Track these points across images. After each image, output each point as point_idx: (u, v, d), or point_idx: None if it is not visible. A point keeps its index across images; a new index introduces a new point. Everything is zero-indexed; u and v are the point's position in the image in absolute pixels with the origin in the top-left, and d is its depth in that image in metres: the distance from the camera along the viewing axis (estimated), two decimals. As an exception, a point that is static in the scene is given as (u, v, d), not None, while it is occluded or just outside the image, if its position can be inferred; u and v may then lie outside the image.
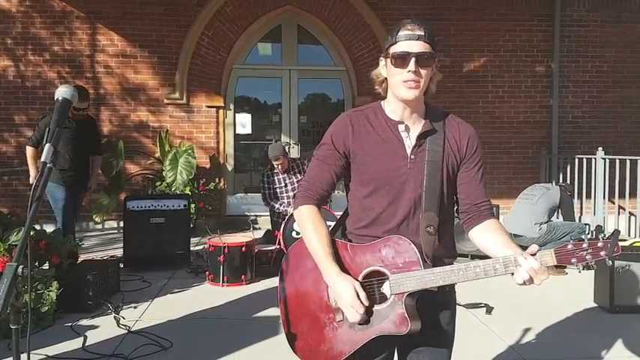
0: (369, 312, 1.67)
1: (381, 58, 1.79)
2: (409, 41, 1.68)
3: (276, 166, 6.17)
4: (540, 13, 8.34)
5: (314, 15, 8.20)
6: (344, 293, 1.66)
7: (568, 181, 7.32)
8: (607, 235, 6.95)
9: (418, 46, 1.68)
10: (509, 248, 1.68)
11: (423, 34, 1.69)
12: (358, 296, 1.65)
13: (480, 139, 1.87)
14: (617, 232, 1.65)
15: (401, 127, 1.78)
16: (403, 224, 1.77)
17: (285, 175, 6.23)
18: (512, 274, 1.58)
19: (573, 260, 1.53)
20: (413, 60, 1.67)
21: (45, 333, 3.81)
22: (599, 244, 1.53)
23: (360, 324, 1.68)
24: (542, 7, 8.33)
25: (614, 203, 7.05)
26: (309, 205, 1.81)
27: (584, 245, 1.53)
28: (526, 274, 1.53)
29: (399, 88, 1.72)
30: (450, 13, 8.11)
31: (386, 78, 1.79)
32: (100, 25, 7.86)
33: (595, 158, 7.05)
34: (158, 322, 4.09)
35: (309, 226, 1.77)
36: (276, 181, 6.25)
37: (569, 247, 1.54)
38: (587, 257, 1.53)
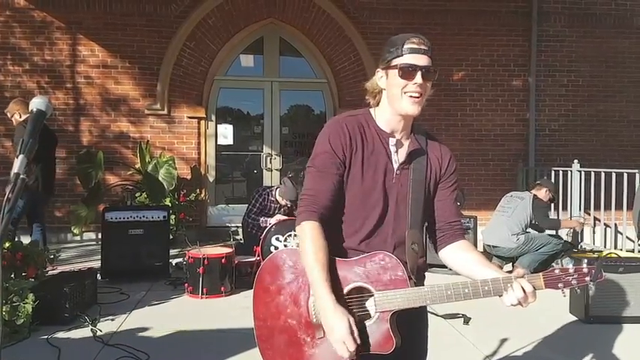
0: (357, 350, 1.60)
1: (379, 70, 1.78)
2: (416, 54, 1.70)
3: (282, 204, 6.08)
4: (517, 29, 8.51)
5: (296, 28, 8.27)
6: (338, 327, 1.59)
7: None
8: (582, 247, 7.06)
9: (424, 60, 1.71)
10: (489, 268, 1.71)
11: (427, 48, 1.72)
12: (352, 333, 1.59)
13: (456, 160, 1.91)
14: (601, 259, 1.72)
15: (392, 141, 1.78)
16: (381, 237, 1.76)
17: (278, 208, 6.20)
18: (500, 295, 1.60)
19: (560, 285, 1.59)
20: (419, 73, 1.69)
21: (20, 346, 3.76)
22: (584, 270, 1.58)
23: None
24: (519, 23, 8.50)
25: (589, 215, 7.17)
26: (312, 221, 1.70)
27: (571, 270, 1.59)
28: (516, 300, 1.57)
29: (402, 101, 1.72)
30: (428, 27, 8.20)
31: (382, 90, 1.79)
32: (80, 35, 7.83)
33: (571, 170, 7.19)
34: (135, 334, 4.05)
35: (310, 247, 1.66)
36: (267, 206, 6.20)
37: (557, 272, 1.59)
38: (572, 282, 1.59)
